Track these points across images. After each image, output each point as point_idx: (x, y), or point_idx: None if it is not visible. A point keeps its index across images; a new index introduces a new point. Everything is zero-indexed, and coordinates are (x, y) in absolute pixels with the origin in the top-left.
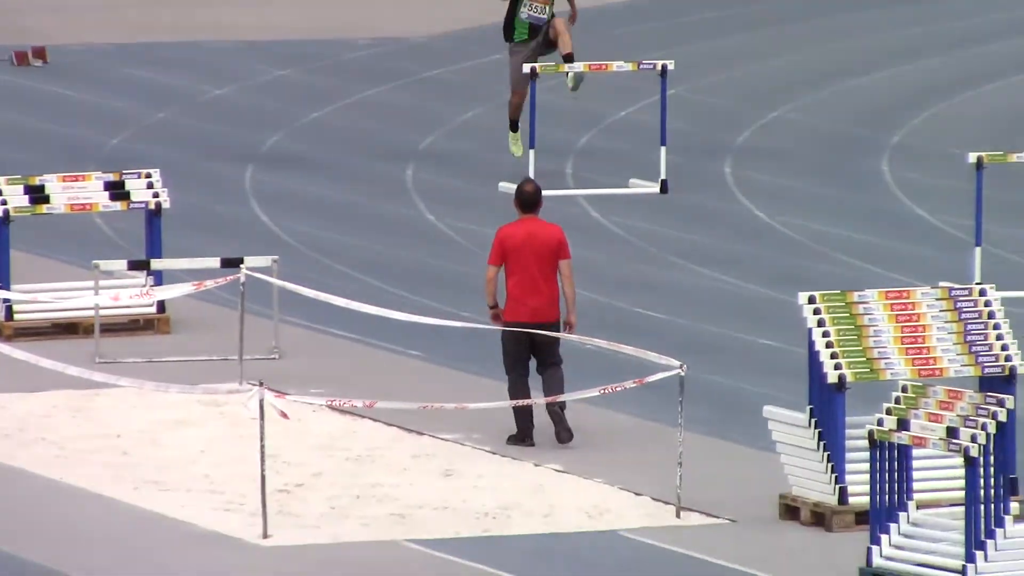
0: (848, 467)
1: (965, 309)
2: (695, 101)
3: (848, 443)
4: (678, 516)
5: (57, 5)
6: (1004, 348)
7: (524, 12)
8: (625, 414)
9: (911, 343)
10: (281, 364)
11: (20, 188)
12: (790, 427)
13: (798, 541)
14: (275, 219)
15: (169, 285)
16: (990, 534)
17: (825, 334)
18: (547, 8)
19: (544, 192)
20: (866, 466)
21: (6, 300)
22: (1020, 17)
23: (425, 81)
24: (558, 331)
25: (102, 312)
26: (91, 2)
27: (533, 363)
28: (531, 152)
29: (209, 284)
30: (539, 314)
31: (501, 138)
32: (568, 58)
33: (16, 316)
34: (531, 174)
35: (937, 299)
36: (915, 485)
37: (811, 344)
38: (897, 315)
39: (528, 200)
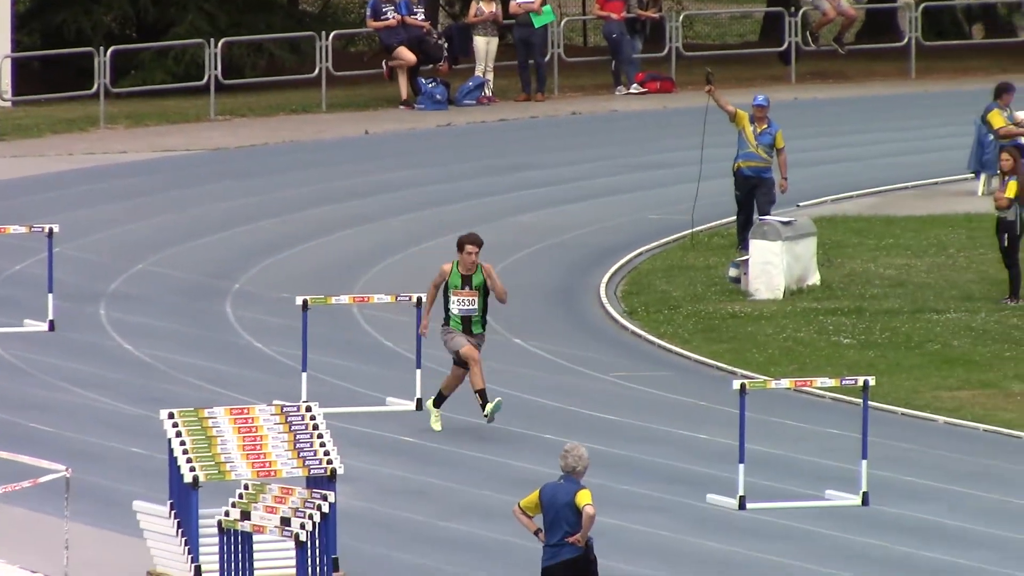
0: (204, 549)
1: (295, 422)
2: (77, 256)
3: (203, 530)
4: None
5: None
6: (327, 453)
7: (455, 307)
8: (23, 508)
9: (252, 450)
10: None
11: None
12: (155, 517)
13: None
14: None
15: None
16: None
17: (182, 443)
18: (475, 300)
19: None
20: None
21: None
22: (327, 190)
23: None
24: None
25: None
26: None
27: None
28: None
29: None
30: None
31: None
32: (482, 395)
33: None
34: None
35: (272, 414)
36: (258, 564)
37: (171, 450)
38: (240, 427)
39: None
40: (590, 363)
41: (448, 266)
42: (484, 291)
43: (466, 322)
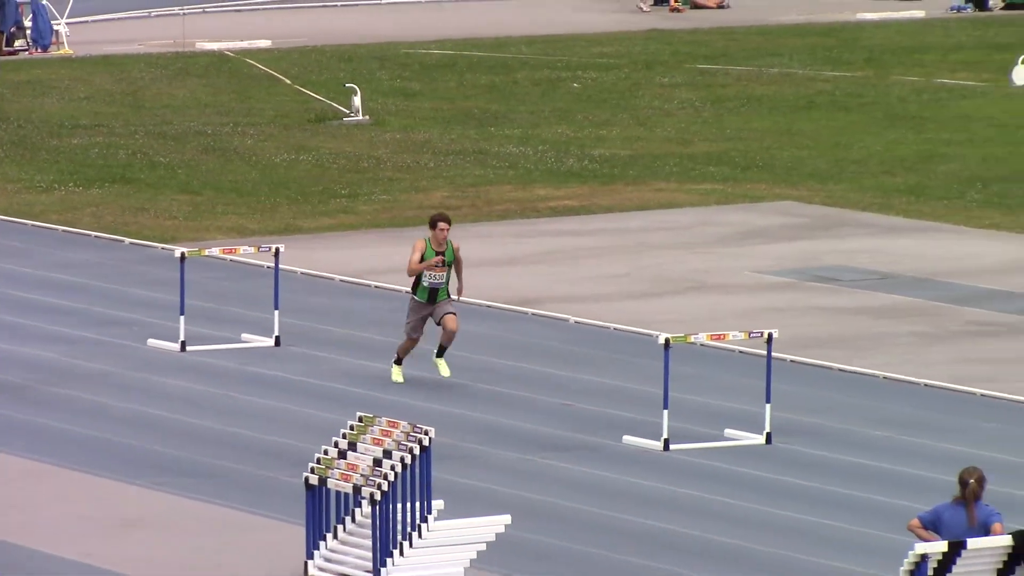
0: None
1: None
2: None
3: None
4: None
5: None
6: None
7: (426, 280)
8: None
9: None
10: None
11: None
12: None
13: None
14: None
15: None
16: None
17: None
18: (444, 275)
19: None
20: None
21: None
22: None
23: None
24: None
25: None
26: None
27: None
28: None
29: None
30: None
31: None
32: (442, 350)
33: None
34: None
35: None
36: None
37: None
38: None
39: None
40: None
41: (422, 243)
42: (451, 265)
43: (433, 293)
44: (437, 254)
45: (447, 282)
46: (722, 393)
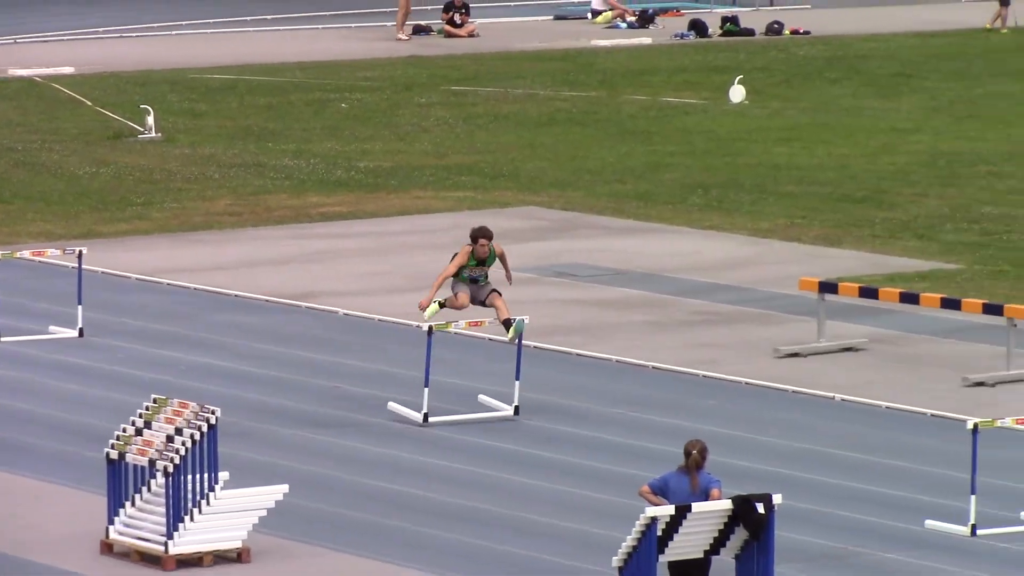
0: None
1: None
2: None
3: None
4: None
5: None
6: None
7: (466, 273)
8: None
9: None
10: None
11: None
12: None
13: None
14: None
15: None
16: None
17: None
18: (484, 271)
19: None
20: None
21: None
22: None
23: None
24: None
25: None
26: None
27: None
28: None
29: None
30: None
31: None
32: (507, 323)
33: None
34: None
35: None
36: None
37: None
38: None
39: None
40: None
41: (465, 255)
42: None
43: (474, 280)
44: (478, 263)
45: (486, 275)
46: (476, 376)
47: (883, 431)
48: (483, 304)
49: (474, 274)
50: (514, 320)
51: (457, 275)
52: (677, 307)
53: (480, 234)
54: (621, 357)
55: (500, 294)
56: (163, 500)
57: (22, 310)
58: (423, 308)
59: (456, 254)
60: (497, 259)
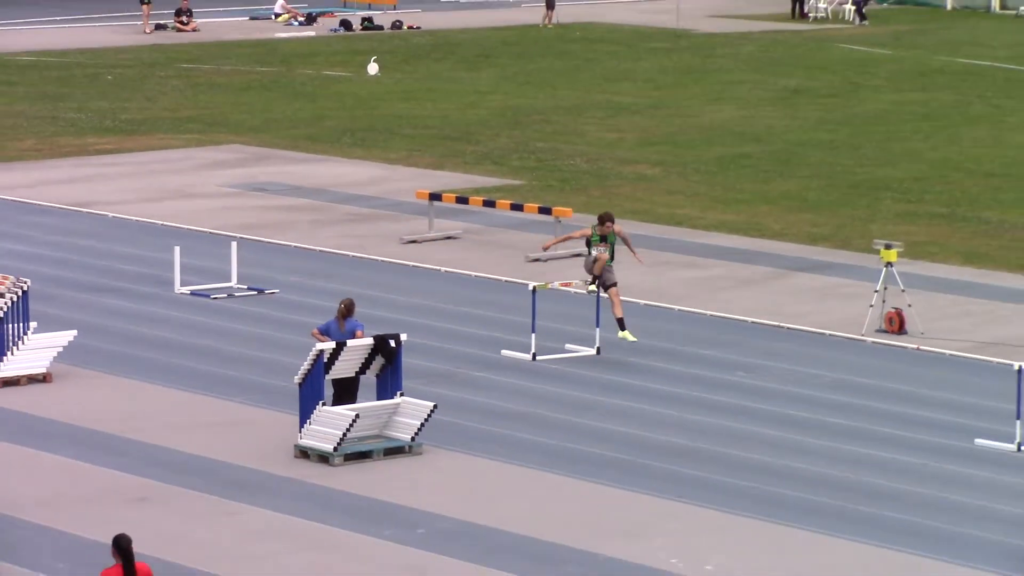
0: None
1: None
2: None
3: None
4: None
5: None
6: None
7: (593, 250)
8: None
9: None
10: None
11: None
12: None
13: None
14: None
15: None
16: None
17: None
18: (607, 249)
19: None
20: None
21: None
22: None
23: None
24: None
25: None
26: None
27: None
28: None
29: None
30: None
31: None
32: (620, 322)
33: None
34: None
35: None
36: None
37: None
38: None
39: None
40: None
41: (589, 229)
42: (613, 243)
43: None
44: (601, 239)
45: (612, 255)
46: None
47: (472, 291)
48: (604, 287)
49: (598, 249)
50: (627, 329)
51: (588, 246)
52: (335, 211)
53: (606, 217)
54: (298, 244)
55: (617, 288)
56: None
57: None
58: (545, 248)
59: (584, 228)
60: (618, 240)
